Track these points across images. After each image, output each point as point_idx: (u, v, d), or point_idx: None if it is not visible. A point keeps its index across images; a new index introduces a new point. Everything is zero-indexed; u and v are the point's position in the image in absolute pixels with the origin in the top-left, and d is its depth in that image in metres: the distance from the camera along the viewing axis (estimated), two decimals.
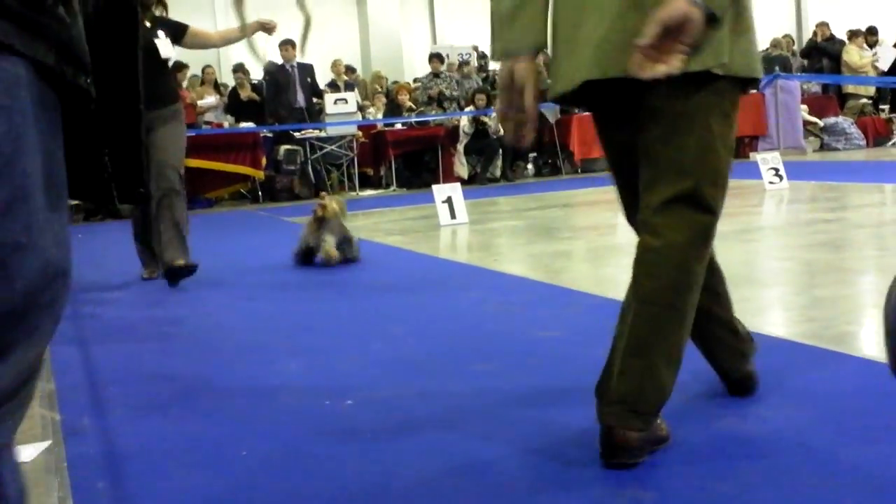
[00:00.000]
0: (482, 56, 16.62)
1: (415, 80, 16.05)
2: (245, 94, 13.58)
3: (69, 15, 1.12)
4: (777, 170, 9.20)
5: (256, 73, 14.77)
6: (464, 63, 15.40)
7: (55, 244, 1.07)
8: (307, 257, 6.12)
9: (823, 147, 14.59)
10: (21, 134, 1.03)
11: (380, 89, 14.91)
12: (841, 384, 2.83)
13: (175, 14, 18.55)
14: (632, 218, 2.54)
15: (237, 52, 16.81)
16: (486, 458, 2.40)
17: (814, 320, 3.68)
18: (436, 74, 14.66)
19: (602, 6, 2.21)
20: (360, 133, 13.24)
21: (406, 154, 13.48)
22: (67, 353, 3.90)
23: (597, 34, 2.21)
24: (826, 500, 1.98)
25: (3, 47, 1.02)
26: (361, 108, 13.95)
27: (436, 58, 15.05)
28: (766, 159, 9.37)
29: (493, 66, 16.05)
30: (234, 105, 13.68)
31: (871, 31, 15.75)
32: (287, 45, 12.75)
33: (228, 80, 15.46)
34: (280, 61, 13.29)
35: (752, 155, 12.43)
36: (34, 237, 1.04)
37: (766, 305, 4.08)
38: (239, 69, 14.30)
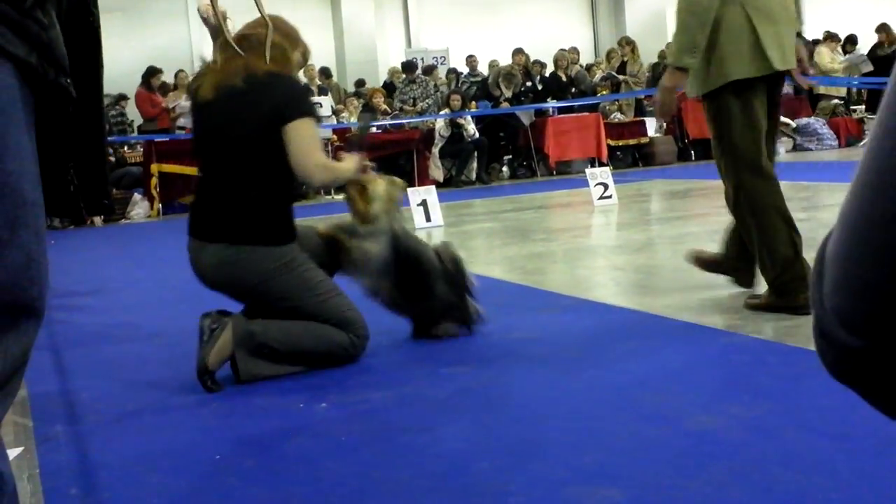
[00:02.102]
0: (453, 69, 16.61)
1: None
2: None
3: (46, 18, 1.13)
4: None
5: None
6: (431, 67, 15.36)
7: (36, 240, 1.09)
8: None
9: (796, 148, 14.70)
10: (4, 133, 1.05)
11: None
12: (812, 381, 2.85)
13: (147, 20, 18.40)
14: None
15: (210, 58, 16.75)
16: (461, 460, 2.41)
17: (786, 319, 3.69)
18: (412, 81, 14.67)
19: (787, 16, 3.79)
20: (334, 137, 13.23)
21: (381, 157, 13.47)
22: (40, 359, 3.87)
23: (789, 37, 3.79)
24: (795, 497, 1.99)
25: None
26: (336, 112, 13.93)
27: (407, 68, 15.05)
28: None
29: (482, 68, 16.07)
30: None
31: (852, 41, 15.86)
32: None
33: None
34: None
35: None
36: (17, 233, 1.05)
37: (737, 304, 4.11)
38: None
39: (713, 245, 5.30)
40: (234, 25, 3.52)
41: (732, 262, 4.24)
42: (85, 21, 1.21)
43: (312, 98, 3.60)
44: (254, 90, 3.40)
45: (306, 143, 3.44)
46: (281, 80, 3.44)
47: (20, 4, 1.09)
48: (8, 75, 1.07)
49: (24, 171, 1.08)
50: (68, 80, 1.17)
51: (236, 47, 3.30)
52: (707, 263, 4.41)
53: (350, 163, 3.68)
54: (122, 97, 14.11)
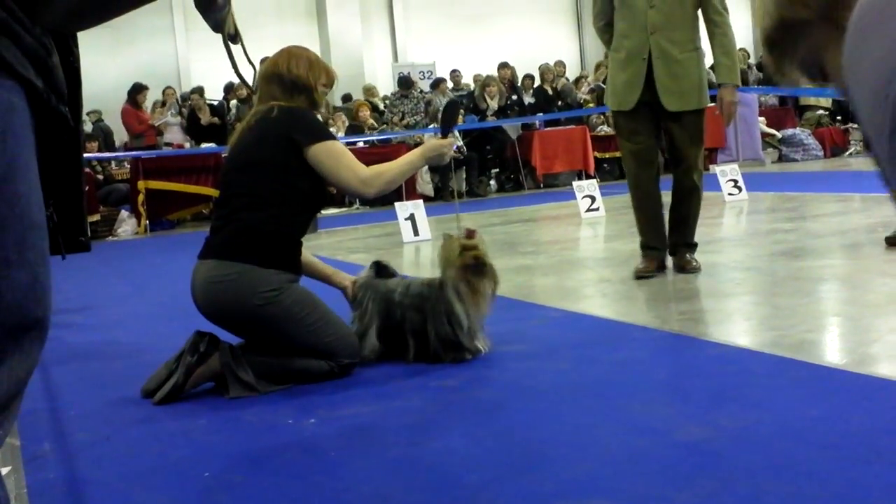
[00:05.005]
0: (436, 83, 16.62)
1: (383, 98, 16.08)
2: (205, 118, 13.50)
3: (50, 44, 1.15)
4: (736, 181, 9.29)
5: (216, 94, 14.69)
6: (440, 80, 15.34)
7: (42, 261, 1.10)
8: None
9: (782, 158, 14.77)
10: (15, 156, 1.06)
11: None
12: (800, 392, 2.86)
13: (134, 36, 18.35)
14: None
15: (197, 75, 16.75)
16: (451, 474, 2.40)
17: (774, 329, 3.71)
18: (404, 95, 14.72)
19: None
20: None
21: None
22: None
23: None
24: None
25: (3, 65, 1.05)
26: None
27: (403, 84, 15.11)
28: (726, 171, 9.46)
29: (467, 80, 16.09)
30: (194, 128, 13.59)
31: None
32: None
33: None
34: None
35: (711, 167, 12.54)
36: (24, 254, 1.06)
37: (727, 315, 4.12)
38: (195, 91, 14.17)
39: (699, 255, 5.33)
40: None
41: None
42: (65, 60, 1.22)
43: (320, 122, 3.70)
44: (265, 121, 3.55)
45: (337, 163, 3.53)
46: (288, 112, 3.55)
47: (32, 29, 1.10)
48: (20, 98, 1.08)
49: (32, 194, 1.09)
50: (66, 109, 1.18)
51: (251, 89, 3.45)
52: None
53: (411, 155, 3.72)
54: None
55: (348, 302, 3.83)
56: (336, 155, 3.53)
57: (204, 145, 12.98)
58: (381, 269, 3.87)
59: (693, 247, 5.24)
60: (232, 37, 2.44)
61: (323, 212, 12.73)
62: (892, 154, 0.80)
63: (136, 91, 13.74)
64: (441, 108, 13.77)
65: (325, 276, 3.91)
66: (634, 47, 5.02)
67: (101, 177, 12.86)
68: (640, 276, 5.11)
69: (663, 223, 5.22)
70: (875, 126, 0.84)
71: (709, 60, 5.27)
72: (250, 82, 3.17)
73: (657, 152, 5.25)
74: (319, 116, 3.81)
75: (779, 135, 14.90)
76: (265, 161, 3.51)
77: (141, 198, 12.06)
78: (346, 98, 16.40)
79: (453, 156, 3.79)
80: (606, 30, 5.24)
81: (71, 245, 1.28)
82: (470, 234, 3.66)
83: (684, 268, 5.13)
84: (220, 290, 3.40)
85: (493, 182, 14.45)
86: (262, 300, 3.36)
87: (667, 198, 5.19)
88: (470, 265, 3.57)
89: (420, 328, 3.61)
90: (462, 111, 13.37)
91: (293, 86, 3.59)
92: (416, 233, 8.35)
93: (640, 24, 5.00)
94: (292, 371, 3.44)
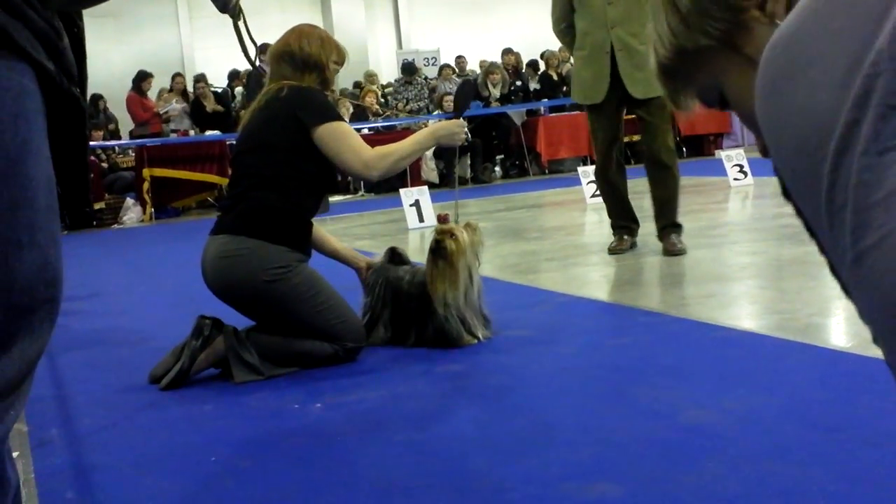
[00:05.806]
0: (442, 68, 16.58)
1: (387, 85, 16.05)
2: (210, 106, 13.47)
3: (60, 26, 1.15)
4: (742, 166, 9.26)
5: (220, 81, 14.67)
6: (412, 70, 15.30)
7: (53, 244, 1.11)
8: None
9: None
10: (27, 140, 1.08)
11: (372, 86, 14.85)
12: (806, 375, 2.86)
13: (138, 25, 18.33)
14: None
15: (201, 62, 16.73)
16: (457, 457, 2.41)
17: (780, 312, 3.71)
18: (408, 81, 14.68)
19: None
20: None
21: None
22: None
23: None
24: (789, 490, 2.00)
25: (16, 48, 1.05)
26: None
27: (406, 70, 15.06)
28: (731, 156, 9.43)
29: (473, 68, 16.05)
30: (199, 115, 13.57)
31: None
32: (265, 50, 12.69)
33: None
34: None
35: (716, 152, 12.52)
36: (36, 236, 1.08)
37: (733, 299, 4.12)
38: (201, 79, 14.15)
39: (704, 239, 5.33)
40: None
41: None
42: (70, 33, 1.23)
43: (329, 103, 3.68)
44: (274, 102, 3.54)
45: (341, 144, 3.51)
46: (297, 92, 3.53)
47: (43, 12, 1.10)
48: (31, 81, 1.09)
49: (43, 177, 1.10)
50: (77, 90, 1.19)
51: (260, 71, 3.42)
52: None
53: (419, 134, 3.72)
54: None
55: (361, 284, 3.85)
56: (340, 136, 3.52)
57: (208, 133, 12.98)
58: (395, 256, 3.89)
59: (678, 227, 5.35)
60: (234, 15, 2.43)
61: (328, 198, 12.76)
62: (830, 210, 0.79)
63: (141, 79, 13.73)
64: (453, 92, 13.78)
65: (339, 254, 3.93)
66: (597, 42, 5.34)
67: (105, 165, 12.86)
68: (613, 252, 5.59)
69: (629, 205, 5.70)
70: (801, 179, 0.82)
71: None
72: (256, 62, 3.16)
73: (621, 142, 5.66)
74: (330, 96, 3.79)
75: None
76: (274, 143, 3.51)
77: (146, 185, 12.06)
78: (357, 85, 16.37)
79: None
80: (568, 32, 5.54)
81: (76, 219, 1.30)
82: (441, 218, 3.70)
83: (669, 250, 5.25)
84: (230, 265, 3.40)
85: (497, 168, 14.42)
86: (271, 276, 3.37)
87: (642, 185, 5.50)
88: (433, 249, 3.60)
89: (422, 316, 3.62)
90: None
91: (304, 64, 3.57)
92: (421, 219, 8.35)
93: (600, 20, 5.31)
94: (297, 353, 3.44)
